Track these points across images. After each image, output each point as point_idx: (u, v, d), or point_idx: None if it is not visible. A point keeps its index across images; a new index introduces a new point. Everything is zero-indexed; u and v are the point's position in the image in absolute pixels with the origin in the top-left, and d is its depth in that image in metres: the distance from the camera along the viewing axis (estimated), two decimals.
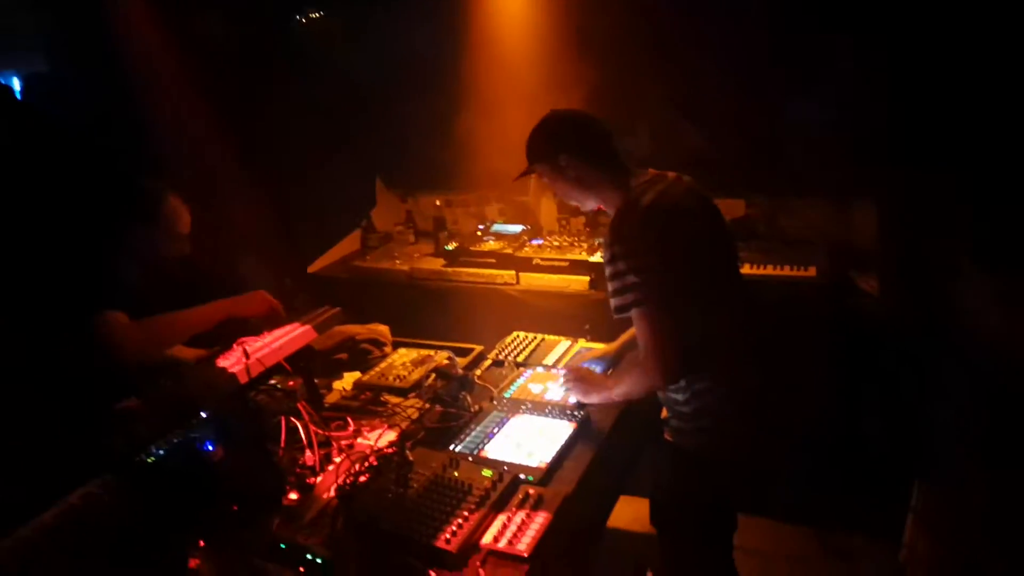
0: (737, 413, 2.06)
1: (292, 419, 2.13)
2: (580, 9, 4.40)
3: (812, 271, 3.30)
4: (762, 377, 2.10)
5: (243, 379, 1.99)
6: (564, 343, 2.84)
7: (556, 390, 2.44)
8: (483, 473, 1.95)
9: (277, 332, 2.26)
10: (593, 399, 2.27)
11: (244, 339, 2.18)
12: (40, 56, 5.85)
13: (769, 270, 3.36)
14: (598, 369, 2.51)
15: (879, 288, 3.21)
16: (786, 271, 3.33)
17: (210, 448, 1.93)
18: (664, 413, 2.19)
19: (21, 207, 3.01)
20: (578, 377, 2.34)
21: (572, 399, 2.35)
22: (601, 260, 3.40)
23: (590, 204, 2.19)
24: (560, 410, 2.30)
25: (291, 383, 2.40)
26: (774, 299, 3.23)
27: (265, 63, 5.33)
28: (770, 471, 2.28)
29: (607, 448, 2.20)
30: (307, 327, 2.32)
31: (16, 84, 5.17)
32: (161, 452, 1.98)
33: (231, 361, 2.04)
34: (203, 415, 2.00)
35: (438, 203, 4.42)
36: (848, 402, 3.19)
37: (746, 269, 3.38)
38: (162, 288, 3.13)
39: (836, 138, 3.94)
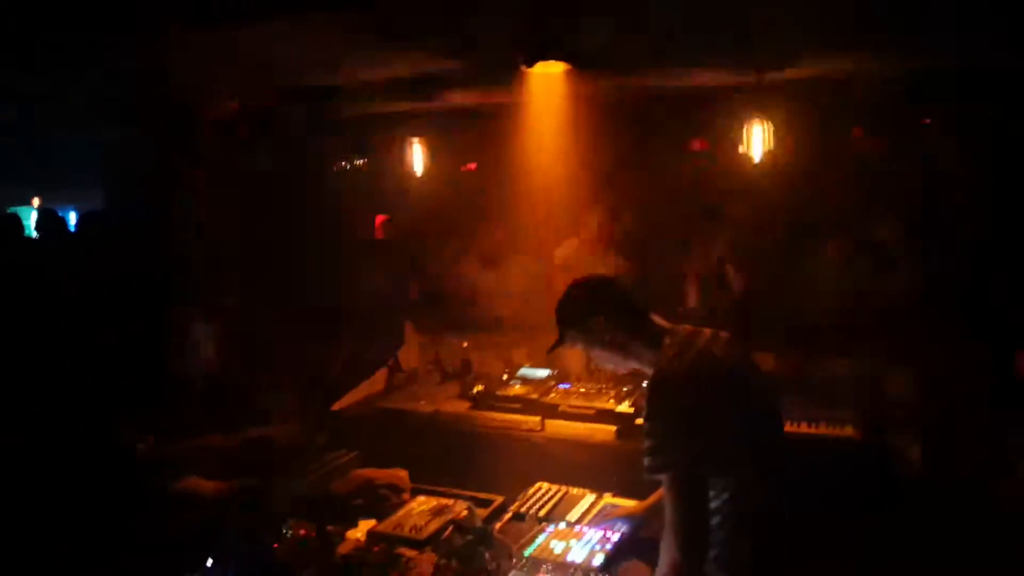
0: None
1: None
2: (605, 166, 4.61)
3: (849, 430, 3.19)
4: (802, 547, 1.98)
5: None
6: (589, 497, 2.72)
7: (579, 550, 2.31)
8: None
9: None
10: None
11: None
12: (97, 192, 6.23)
13: (804, 428, 3.25)
14: (625, 529, 2.39)
15: (921, 458, 3.09)
16: (823, 429, 3.22)
17: None
18: None
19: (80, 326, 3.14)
20: None
21: (596, 562, 2.22)
22: (628, 410, 3.38)
23: (627, 366, 2.15)
24: (583, 573, 2.17)
25: (303, 531, 2.31)
26: (810, 458, 3.11)
27: (303, 208, 5.60)
28: None
29: None
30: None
31: (72, 217, 5.47)
32: None
33: None
34: (209, 564, 1.93)
35: (465, 345, 4.43)
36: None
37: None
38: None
39: (870, 305, 3.96)
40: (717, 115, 4.90)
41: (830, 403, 3.44)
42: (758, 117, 4.52)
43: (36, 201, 9.03)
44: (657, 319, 2.12)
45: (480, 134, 5.00)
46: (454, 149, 5.58)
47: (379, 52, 3.88)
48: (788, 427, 3.26)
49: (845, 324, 3.94)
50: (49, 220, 4.89)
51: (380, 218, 4.96)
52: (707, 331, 2.08)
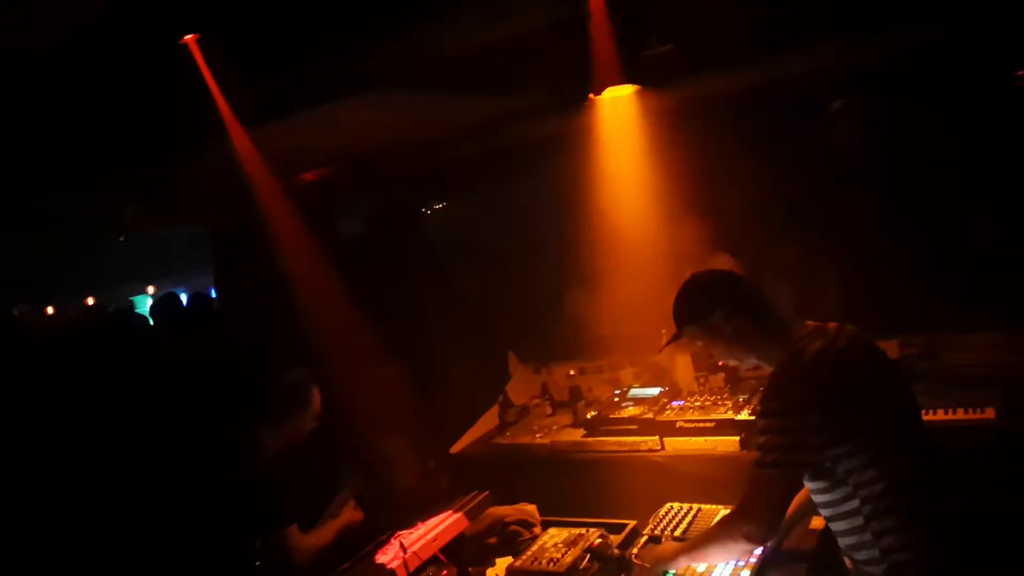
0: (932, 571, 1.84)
1: None
2: (691, 173, 4.56)
3: (990, 412, 3.00)
4: (960, 543, 1.88)
5: (402, 574, 1.98)
6: (724, 511, 2.65)
7: (723, 568, 2.26)
8: None
9: (431, 521, 2.26)
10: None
11: (400, 532, 2.19)
12: (205, 269, 6.62)
13: (940, 415, 3.07)
14: (770, 543, 2.32)
15: None
16: (960, 415, 3.04)
17: None
18: None
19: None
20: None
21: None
22: (749, 418, 3.30)
23: (749, 362, 2.12)
24: None
25: (445, 573, 2.36)
26: (950, 447, 2.93)
27: (399, 255, 5.78)
28: None
29: None
30: (459, 514, 2.31)
31: (183, 296, 5.83)
32: None
33: (389, 556, 2.04)
34: None
35: (572, 372, 4.43)
36: None
37: None
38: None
39: (997, 262, 3.74)
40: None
41: (965, 386, 3.24)
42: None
43: (151, 289, 9.67)
44: (781, 314, 2.07)
45: (559, 163, 5.05)
46: (536, 179, 5.64)
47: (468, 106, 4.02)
48: (924, 416, 3.11)
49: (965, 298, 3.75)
50: (167, 304, 5.21)
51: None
52: (832, 325, 2.03)
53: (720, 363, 3.86)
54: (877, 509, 1.84)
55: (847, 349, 1.94)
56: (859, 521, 1.87)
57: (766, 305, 2.07)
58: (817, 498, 1.98)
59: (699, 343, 2.16)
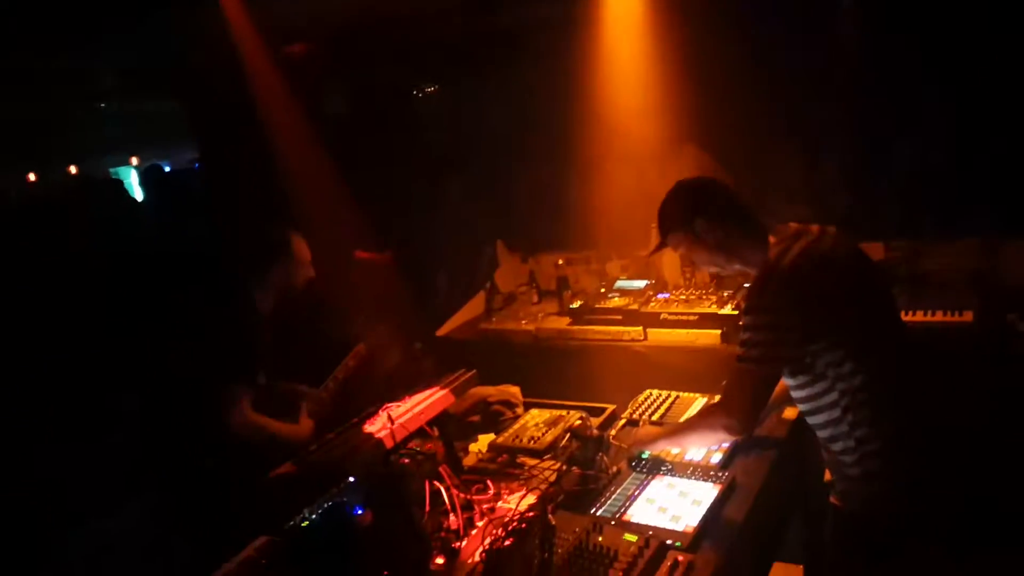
0: (906, 475, 1.94)
1: (435, 483, 2.16)
2: (689, 66, 4.43)
3: (968, 316, 3.07)
4: (928, 434, 1.96)
5: (388, 444, 2.05)
6: (701, 400, 2.75)
7: (696, 450, 2.36)
8: (627, 538, 1.89)
9: (418, 396, 2.32)
10: (653, 446, 2.30)
11: (388, 404, 2.25)
12: (188, 143, 6.47)
13: (920, 316, 3.15)
14: None
15: None
16: (939, 317, 3.12)
17: (359, 512, 1.99)
18: (828, 476, 2.08)
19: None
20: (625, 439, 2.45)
21: (714, 459, 2.27)
22: (732, 312, 3.36)
23: (732, 268, 2.14)
24: (703, 471, 2.22)
25: (431, 446, 2.44)
26: (930, 347, 3.02)
27: (388, 136, 5.66)
28: (944, 533, 2.10)
29: (757, 511, 2.09)
30: (446, 391, 2.37)
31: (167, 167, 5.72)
32: (314, 516, 2.06)
33: (377, 426, 2.11)
34: (351, 480, 2.07)
35: (560, 262, 4.46)
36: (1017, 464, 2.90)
37: None
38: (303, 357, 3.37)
39: (978, 174, 3.75)
40: None
41: (945, 290, 3.30)
42: None
43: (135, 160, 9.45)
44: (762, 219, 2.10)
45: (554, 50, 4.87)
46: (531, 66, 5.46)
47: None
48: (904, 317, 3.18)
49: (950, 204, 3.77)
50: (154, 176, 5.12)
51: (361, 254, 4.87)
52: (815, 227, 2.05)
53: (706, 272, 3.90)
54: (854, 401, 1.91)
55: (829, 250, 1.97)
56: (836, 413, 1.95)
57: (747, 210, 2.09)
58: (796, 393, 2.04)
59: (683, 250, 2.19)
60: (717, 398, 2.74)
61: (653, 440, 2.31)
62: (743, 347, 1.94)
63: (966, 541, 2.71)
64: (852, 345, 1.89)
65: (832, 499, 2.06)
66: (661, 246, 2.24)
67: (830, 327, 1.87)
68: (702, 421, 2.16)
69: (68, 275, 3.66)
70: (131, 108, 8.00)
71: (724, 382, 2.06)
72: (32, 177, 7.49)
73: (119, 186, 5.14)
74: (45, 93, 5.79)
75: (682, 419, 2.58)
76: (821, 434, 2.04)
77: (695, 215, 2.08)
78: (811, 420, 2.05)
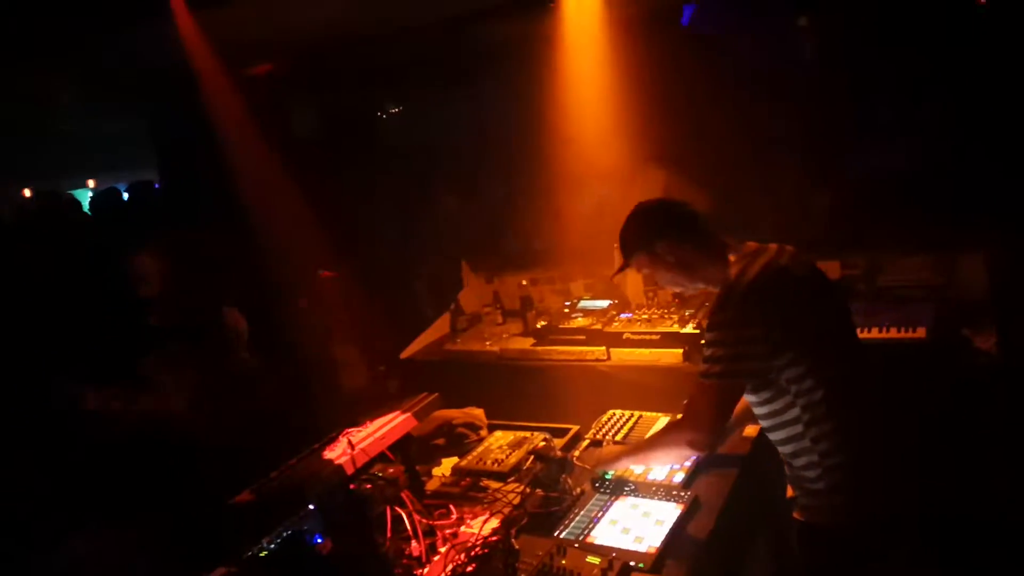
0: (868, 486, 1.97)
1: (396, 508, 2.14)
2: (648, 84, 4.50)
3: (921, 332, 3.14)
4: (889, 448, 2.01)
5: (349, 470, 2.02)
6: (664, 419, 2.76)
7: (659, 470, 2.36)
8: (591, 560, 1.89)
9: (379, 421, 2.30)
10: (616, 464, 2.32)
11: (348, 429, 2.22)
12: (149, 171, 6.37)
13: (875, 333, 3.21)
14: None
15: (997, 345, 3.02)
16: (893, 333, 3.18)
17: (319, 541, 1.95)
18: (790, 492, 2.10)
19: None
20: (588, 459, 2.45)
21: (676, 479, 2.28)
22: (694, 331, 3.39)
23: (695, 287, 2.17)
24: (666, 491, 2.22)
25: (392, 471, 2.41)
26: (883, 363, 3.07)
27: (353, 160, 5.64)
28: (906, 545, 2.14)
29: (720, 529, 2.10)
30: (408, 415, 2.34)
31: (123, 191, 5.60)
32: (272, 546, 2.02)
33: (337, 452, 2.07)
34: (311, 507, 2.03)
35: (524, 282, 4.47)
36: (973, 473, 2.97)
37: None
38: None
39: (935, 188, 3.84)
40: None
41: (901, 306, 3.37)
42: None
43: (91, 183, 9.28)
44: (722, 238, 2.12)
45: (517, 69, 4.92)
46: (493, 86, 5.50)
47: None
48: (859, 334, 3.24)
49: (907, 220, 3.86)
50: (105, 198, 5.00)
51: (324, 273, 4.86)
52: (773, 246, 2.10)
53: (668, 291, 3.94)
54: (815, 416, 1.94)
55: (787, 266, 2.01)
56: (799, 428, 1.97)
57: (707, 230, 2.13)
58: (758, 409, 2.07)
59: (646, 271, 2.23)
60: (680, 416, 2.77)
61: (616, 458, 2.32)
62: (706, 363, 1.96)
63: (932, 547, 2.77)
64: (812, 359, 1.92)
65: (795, 514, 2.07)
66: (624, 267, 2.27)
67: (792, 341, 1.90)
68: (665, 437, 2.18)
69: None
70: (89, 130, 7.86)
71: (686, 399, 2.08)
72: None
73: (75, 204, 5.02)
74: None
75: (646, 437, 2.58)
76: (783, 450, 2.06)
77: (657, 237, 2.11)
78: (773, 436, 2.08)
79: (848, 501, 1.96)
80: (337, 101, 6.37)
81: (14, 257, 3.35)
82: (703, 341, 2.01)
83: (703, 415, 1.99)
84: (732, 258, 2.06)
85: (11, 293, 3.01)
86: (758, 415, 2.09)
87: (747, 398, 2.07)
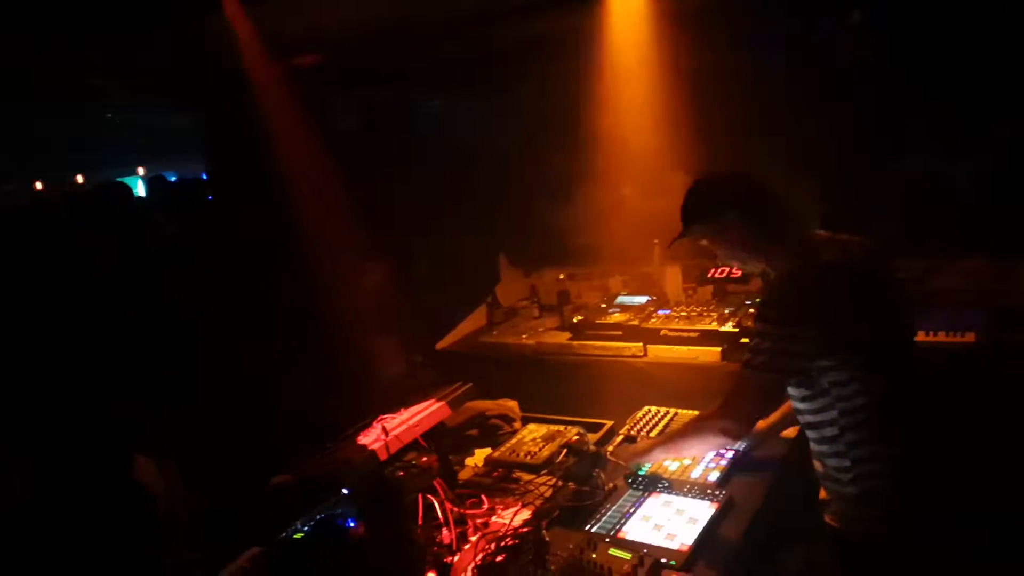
0: (904, 499, 1.90)
1: (428, 496, 2.15)
2: (698, 83, 4.44)
3: (970, 336, 3.05)
4: (928, 458, 1.94)
5: (382, 456, 2.04)
6: None
7: (694, 468, 2.34)
8: (621, 555, 1.87)
9: (413, 408, 2.31)
10: (649, 457, 2.27)
11: (382, 416, 2.24)
12: (199, 162, 6.51)
13: (921, 336, 3.12)
14: (740, 446, 2.41)
15: None
16: (941, 337, 3.09)
17: (352, 525, 1.97)
18: (823, 494, 2.05)
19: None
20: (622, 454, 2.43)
21: (711, 478, 2.25)
22: (733, 330, 3.34)
23: (755, 266, 2.10)
24: (700, 489, 2.19)
25: (425, 459, 2.43)
26: (928, 367, 2.99)
27: (393, 153, 5.68)
28: (944, 558, 2.08)
29: (753, 531, 2.07)
30: (442, 403, 2.36)
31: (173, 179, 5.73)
32: (306, 528, 2.05)
33: (371, 438, 2.10)
34: (345, 492, 2.05)
35: (561, 277, 4.45)
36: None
37: None
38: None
39: (990, 192, 3.73)
40: None
41: (952, 310, 3.27)
42: None
43: (141, 171, 9.51)
44: (794, 222, 2.04)
45: (561, 66, 4.90)
46: (536, 82, 5.49)
47: None
48: None
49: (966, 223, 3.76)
50: (160, 185, 5.13)
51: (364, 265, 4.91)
52: (843, 237, 2.01)
53: (718, 268, 3.87)
54: (853, 422, 1.88)
55: (852, 264, 1.93)
56: (835, 431, 1.92)
57: (780, 210, 2.03)
58: (798, 404, 2.01)
59: (704, 242, 2.11)
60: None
61: (649, 451, 2.28)
62: (750, 352, 1.90)
63: (970, 561, 2.69)
64: (859, 366, 1.86)
65: (827, 518, 2.02)
66: (681, 235, 2.14)
67: (840, 345, 1.84)
68: (699, 425, 2.09)
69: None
70: (139, 121, 8.06)
71: (728, 388, 2.02)
72: (39, 186, 7.53)
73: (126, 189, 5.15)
74: (51, 103, 5.83)
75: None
76: (818, 448, 2.01)
77: (726, 207, 2.01)
78: (809, 433, 2.03)
79: (882, 513, 1.90)
80: (376, 96, 6.42)
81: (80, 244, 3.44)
82: (753, 328, 1.95)
83: (739, 405, 1.94)
84: (801, 247, 1.97)
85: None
86: (796, 408, 2.04)
87: (788, 391, 2.01)
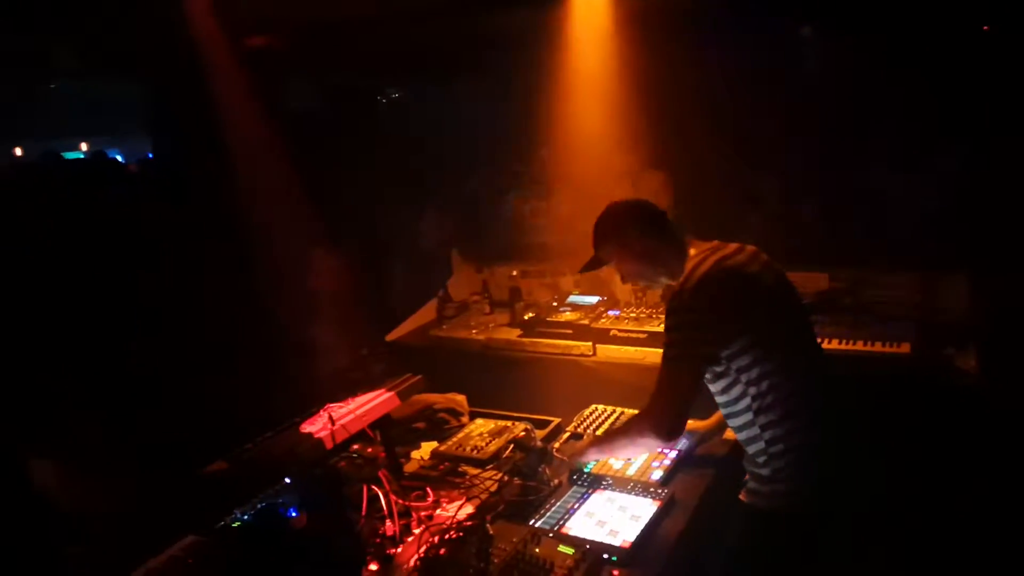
0: (810, 475, 2.02)
1: (373, 487, 2.13)
2: (650, 87, 4.50)
3: (906, 347, 3.16)
4: (833, 440, 2.05)
5: (328, 445, 2.01)
6: None
7: (637, 466, 2.37)
8: (564, 550, 1.89)
9: (361, 398, 2.29)
10: (584, 457, 2.33)
11: (330, 405, 2.21)
12: (145, 132, 6.30)
13: (859, 346, 3.23)
14: (683, 445, 2.45)
15: (978, 367, 3.05)
16: (878, 347, 3.20)
17: (294, 514, 1.94)
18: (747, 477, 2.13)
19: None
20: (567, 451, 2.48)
21: (654, 476, 2.29)
22: None
23: (660, 280, 2.26)
24: (643, 487, 2.22)
25: (371, 450, 2.41)
26: (868, 376, 3.10)
27: (350, 139, 5.60)
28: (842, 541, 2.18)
29: (694, 527, 2.11)
30: (391, 394, 2.34)
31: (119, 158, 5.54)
32: (246, 517, 2.01)
33: (317, 427, 2.07)
34: (287, 480, 2.02)
35: (514, 273, 4.46)
36: (949, 483, 3.00)
37: (835, 344, 3.29)
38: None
39: (923, 209, 3.87)
40: None
41: (886, 321, 3.40)
42: None
43: (84, 146, 9.18)
44: (686, 235, 2.22)
45: (519, 62, 4.90)
46: (495, 77, 5.49)
47: None
48: (842, 346, 3.26)
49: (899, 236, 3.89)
50: (103, 165, 4.96)
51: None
52: (733, 245, 2.18)
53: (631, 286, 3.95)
54: (762, 405, 2.02)
55: (743, 263, 2.10)
56: (749, 417, 2.05)
57: (672, 227, 2.23)
58: (718, 399, 2.14)
59: (613, 262, 2.30)
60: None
61: (583, 451, 2.34)
62: (665, 348, 2.03)
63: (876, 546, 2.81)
64: (761, 350, 2.00)
65: (741, 496, 2.12)
66: (594, 259, 2.34)
67: (741, 330, 1.98)
68: (630, 426, 2.20)
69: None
70: (85, 92, 7.76)
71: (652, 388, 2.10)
72: None
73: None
74: None
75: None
76: (739, 436, 2.13)
77: (626, 228, 2.22)
78: (730, 423, 2.15)
79: (787, 489, 2.02)
80: (336, 81, 6.33)
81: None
82: (664, 327, 2.07)
83: (663, 401, 2.03)
84: (692, 252, 2.15)
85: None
86: (719, 404, 2.16)
87: (709, 387, 2.12)
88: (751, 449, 2.08)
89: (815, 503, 2.03)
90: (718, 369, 2.04)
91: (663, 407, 2.03)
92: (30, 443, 2.58)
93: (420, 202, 5.31)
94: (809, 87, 4.81)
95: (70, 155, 8.90)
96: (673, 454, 2.43)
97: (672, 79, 4.67)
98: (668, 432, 2.03)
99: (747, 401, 2.04)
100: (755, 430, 2.04)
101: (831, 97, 4.72)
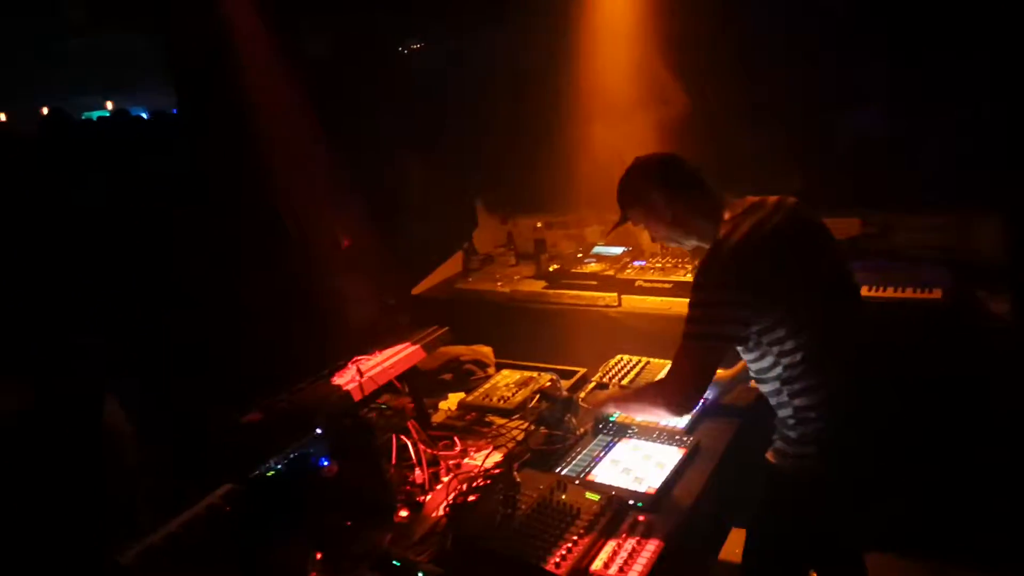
0: (842, 440, 1.95)
1: (402, 437, 2.17)
2: (675, 26, 4.36)
3: (938, 293, 3.10)
4: (871, 404, 1.98)
5: (356, 397, 2.05)
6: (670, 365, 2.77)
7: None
8: (590, 497, 1.92)
9: (388, 351, 2.32)
10: (603, 408, 2.32)
11: (358, 357, 2.24)
12: (162, 87, 6.28)
13: (890, 292, 3.17)
14: (709, 395, 2.45)
15: (1011, 311, 2.99)
16: (908, 293, 3.15)
17: (325, 464, 1.99)
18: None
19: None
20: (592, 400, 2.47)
21: (680, 424, 2.30)
22: None
23: (689, 242, 2.14)
24: (668, 435, 2.24)
25: (400, 401, 2.45)
26: (899, 323, 3.06)
27: (371, 91, 5.54)
28: (878, 502, 2.15)
29: (718, 476, 2.13)
30: (416, 346, 2.37)
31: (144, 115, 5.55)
32: (279, 466, 2.06)
33: (346, 379, 2.10)
34: (319, 431, 2.07)
35: (539, 225, 4.44)
36: (978, 434, 2.97)
37: (864, 291, 3.22)
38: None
39: (956, 145, 3.74)
40: None
41: (917, 266, 3.33)
42: None
43: (109, 105, 9.21)
44: (721, 195, 2.08)
45: (544, 7, 4.78)
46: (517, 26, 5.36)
47: None
48: (873, 292, 3.21)
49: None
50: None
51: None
52: (771, 199, 2.03)
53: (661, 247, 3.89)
54: (795, 375, 1.93)
55: (779, 225, 1.95)
56: (778, 384, 1.98)
57: (706, 186, 2.09)
58: (748, 365, 2.07)
59: (640, 225, 2.18)
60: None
61: (603, 402, 2.33)
62: (688, 323, 1.93)
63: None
64: (793, 323, 1.89)
65: (768, 455, 2.06)
66: (620, 222, 2.22)
67: (772, 305, 1.88)
68: (646, 394, 2.13)
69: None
70: (103, 47, 7.74)
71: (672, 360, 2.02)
72: (1, 116, 7.26)
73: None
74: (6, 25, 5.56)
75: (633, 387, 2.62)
76: (771, 401, 2.07)
77: (653, 189, 2.08)
78: (760, 387, 2.09)
79: (813, 451, 1.95)
80: (355, 26, 6.22)
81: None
82: (689, 299, 1.96)
83: (681, 377, 1.95)
84: (727, 215, 2.01)
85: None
86: (748, 367, 2.09)
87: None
88: (781, 412, 2.02)
89: (844, 469, 1.97)
90: (748, 343, 1.96)
91: (678, 384, 1.95)
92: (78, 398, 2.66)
93: (442, 152, 5.26)
94: (831, 33, 4.61)
95: (93, 114, 8.95)
96: (670, 417, 2.43)
97: (693, 25, 4.52)
98: (680, 409, 1.98)
99: (778, 371, 1.95)
100: (784, 397, 1.97)
101: (851, 38, 4.53)
